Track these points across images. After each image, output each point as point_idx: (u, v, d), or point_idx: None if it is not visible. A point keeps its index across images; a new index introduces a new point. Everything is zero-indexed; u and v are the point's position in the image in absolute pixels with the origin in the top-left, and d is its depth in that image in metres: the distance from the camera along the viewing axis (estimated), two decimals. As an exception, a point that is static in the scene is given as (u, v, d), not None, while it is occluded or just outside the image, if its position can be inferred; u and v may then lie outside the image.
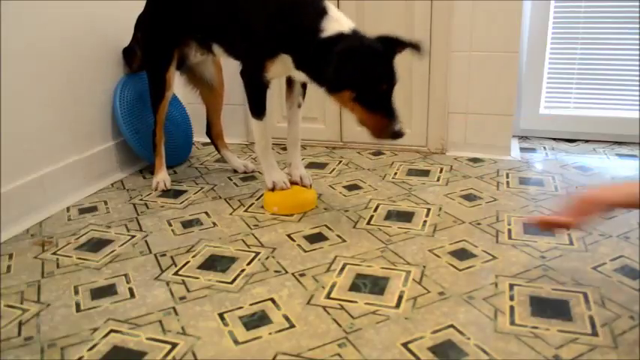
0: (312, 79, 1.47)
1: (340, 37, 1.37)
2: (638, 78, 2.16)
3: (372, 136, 1.41)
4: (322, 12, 1.41)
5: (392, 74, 1.37)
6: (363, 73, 1.34)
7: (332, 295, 1.21)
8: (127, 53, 2.03)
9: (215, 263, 1.37)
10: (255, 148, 1.75)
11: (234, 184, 1.93)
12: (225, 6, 1.62)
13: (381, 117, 1.37)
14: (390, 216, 1.61)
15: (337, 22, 1.40)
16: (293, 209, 1.66)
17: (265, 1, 1.51)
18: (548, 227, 1.20)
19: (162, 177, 1.90)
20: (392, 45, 1.38)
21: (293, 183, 1.73)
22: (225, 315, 1.15)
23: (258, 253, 1.41)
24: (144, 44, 1.93)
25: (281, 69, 1.53)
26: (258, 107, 1.63)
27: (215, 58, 1.95)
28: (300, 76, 1.52)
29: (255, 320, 1.13)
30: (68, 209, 1.74)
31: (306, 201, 1.69)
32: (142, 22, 1.92)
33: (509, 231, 1.49)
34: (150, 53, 1.89)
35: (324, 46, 1.36)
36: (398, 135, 1.38)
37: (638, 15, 2.09)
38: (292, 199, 1.67)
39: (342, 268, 1.32)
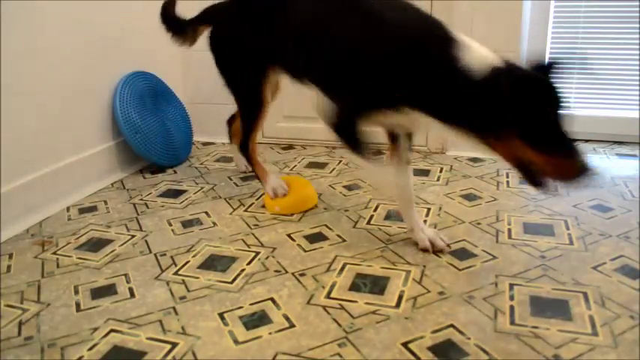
0: (449, 123, 1.18)
1: (498, 70, 1.11)
2: (638, 78, 2.16)
3: (558, 180, 1.14)
4: (452, 40, 1.15)
5: (562, 102, 1.12)
6: (540, 107, 1.09)
7: (332, 295, 1.21)
8: (180, 26, 1.77)
9: (215, 263, 1.37)
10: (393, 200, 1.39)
11: (234, 183, 1.93)
12: (324, 41, 1.35)
13: (563, 154, 1.10)
14: (390, 216, 1.61)
15: (476, 50, 1.14)
16: (294, 209, 1.66)
17: (379, 36, 1.23)
18: None
19: (276, 183, 1.72)
20: (550, 71, 1.16)
21: (423, 250, 1.39)
22: (225, 315, 1.15)
23: (258, 253, 1.41)
24: (224, 58, 1.68)
25: (394, 119, 1.27)
26: (362, 148, 1.32)
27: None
28: (422, 124, 1.25)
29: (255, 320, 1.13)
30: (68, 209, 1.74)
31: (307, 200, 1.69)
32: (220, 33, 1.67)
33: (509, 231, 1.48)
34: (235, 67, 1.66)
35: (477, 83, 1.10)
36: (587, 170, 1.09)
37: (638, 15, 2.09)
38: (293, 199, 1.67)
39: (342, 268, 1.32)
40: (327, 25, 1.35)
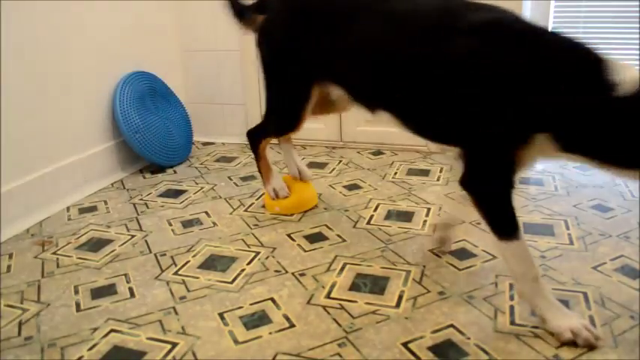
0: (599, 159, 0.96)
1: None
2: (638, 78, 2.16)
3: None
4: (603, 62, 0.94)
5: None
6: None
7: (332, 295, 1.21)
8: (242, 10, 1.56)
9: (215, 263, 1.37)
10: (519, 284, 1.10)
11: (234, 183, 1.93)
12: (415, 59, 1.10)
13: None
14: (390, 216, 1.61)
15: (628, 70, 0.94)
16: (294, 209, 1.66)
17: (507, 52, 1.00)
18: None
19: (278, 185, 1.68)
20: None
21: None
22: (225, 315, 1.15)
23: (258, 253, 1.41)
24: (267, 58, 1.46)
25: (535, 155, 1.04)
26: (509, 220, 1.08)
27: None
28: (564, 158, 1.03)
29: (255, 320, 1.13)
30: (68, 209, 1.74)
31: (307, 200, 1.69)
32: (270, 27, 1.44)
33: (509, 231, 1.48)
34: (277, 73, 1.45)
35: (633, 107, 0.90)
36: None
37: (638, 15, 2.09)
38: (293, 199, 1.67)
39: (342, 268, 1.32)
40: (435, 47, 1.07)
